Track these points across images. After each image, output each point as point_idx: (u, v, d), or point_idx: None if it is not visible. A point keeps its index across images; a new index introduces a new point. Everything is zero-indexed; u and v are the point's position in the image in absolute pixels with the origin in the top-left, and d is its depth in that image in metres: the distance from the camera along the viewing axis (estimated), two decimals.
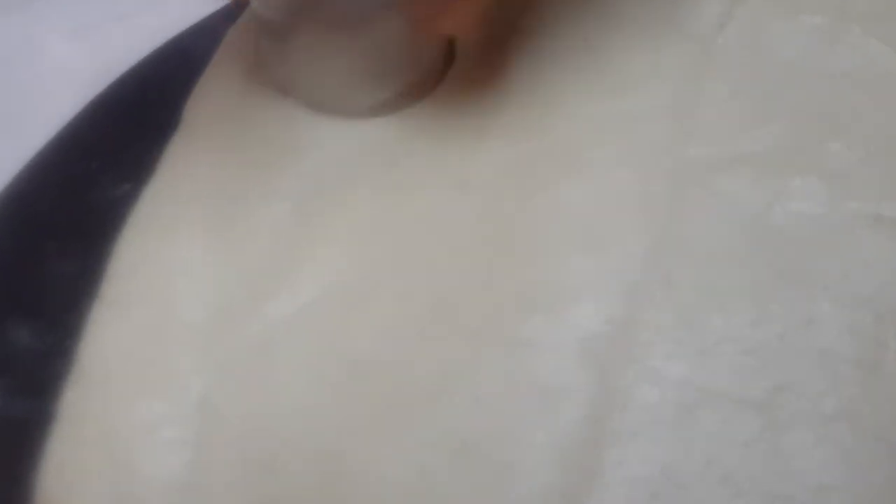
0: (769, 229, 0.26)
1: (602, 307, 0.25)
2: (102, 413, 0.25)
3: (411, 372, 0.24)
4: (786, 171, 0.27)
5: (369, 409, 0.24)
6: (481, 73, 0.29)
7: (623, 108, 0.29)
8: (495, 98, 0.29)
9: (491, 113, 0.29)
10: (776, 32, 0.30)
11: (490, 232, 0.27)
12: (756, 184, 0.27)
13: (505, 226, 0.27)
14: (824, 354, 0.24)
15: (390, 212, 0.27)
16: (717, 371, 0.24)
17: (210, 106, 0.29)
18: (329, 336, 0.25)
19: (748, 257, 0.25)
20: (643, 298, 0.25)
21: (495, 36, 0.30)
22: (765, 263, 0.25)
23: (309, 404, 0.24)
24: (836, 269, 0.25)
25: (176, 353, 0.25)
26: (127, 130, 0.30)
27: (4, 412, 0.26)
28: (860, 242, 0.25)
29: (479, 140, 0.28)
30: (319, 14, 0.28)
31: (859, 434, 0.23)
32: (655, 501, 0.22)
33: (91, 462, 0.24)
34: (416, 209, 0.27)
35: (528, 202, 0.27)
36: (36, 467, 0.24)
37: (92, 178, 0.29)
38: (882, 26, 0.29)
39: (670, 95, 0.29)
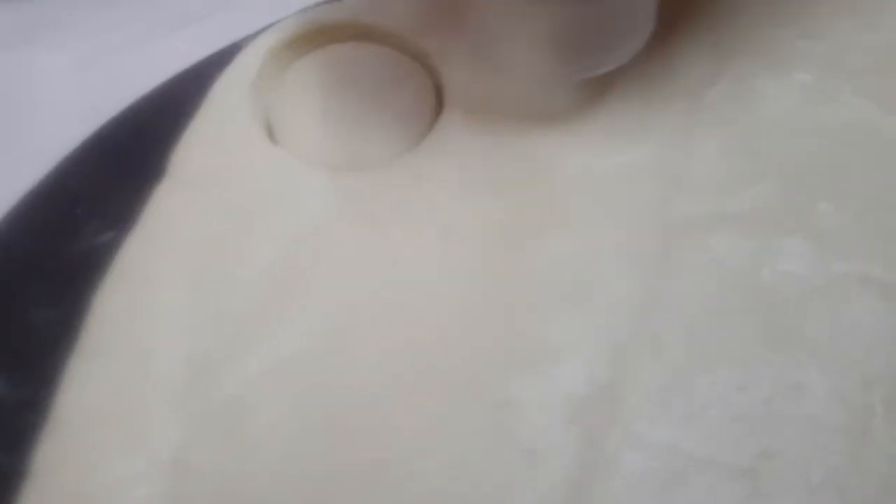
0: (758, 290, 0.26)
1: (588, 367, 0.24)
2: (76, 468, 0.24)
3: (392, 430, 0.24)
4: (775, 230, 0.27)
5: (348, 468, 0.23)
6: (470, 123, 0.29)
7: (613, 163, 0.28)
8: (483, 149, 0.29)
9: (479, 164, 0.29)
10: (766, 89, 0.30)
11: (476, 285, 0.26)
12: (745, 243, 0.26)
13: (491, 279, 0.26)
14: (811, 421, 0.23)
15: (374, 264, 0.27)
16: (703, 437, 0.23)
17: (197, 155, 0.29)
18: (308, 392, 0.24)
19: (736, 318, 0.25)
20: (630, 359, 0.25)
21: (485, 88, 0.29)
22: (753, 325, 0.25)
23: (286, 462, 0.24)
24: (824, 332, 0.25)
25: (152, 407, 0.24)
26: (113, 177, 0.30)
27: None
28: (848, 305, 0.25)
29: (466, 191, 0.28)
30: None
31: None
32: None
33: None
34: (401, 261, 0.27)
35: (515, 255, 0.27)
36: None
37: (75, 225, 0.29)
38: (871, 84, 0.29)
39: (660, 152, 0.29)
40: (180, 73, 0.32)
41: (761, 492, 0.22)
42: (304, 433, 0.24)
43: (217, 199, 0.28)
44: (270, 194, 0.28)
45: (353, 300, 0.26)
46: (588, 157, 0.29)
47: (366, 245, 0.27)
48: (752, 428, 0.23)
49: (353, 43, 0.31)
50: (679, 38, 0.31)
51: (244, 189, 0.28)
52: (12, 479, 0.24)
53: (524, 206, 0.28)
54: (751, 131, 0.29)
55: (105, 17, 0.40)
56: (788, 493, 0.22)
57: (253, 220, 0.27)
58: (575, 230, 0.27)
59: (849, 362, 0.24)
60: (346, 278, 0.26)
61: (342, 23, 0.31)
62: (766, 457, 0.23)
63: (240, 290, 0.26)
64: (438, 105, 0.30)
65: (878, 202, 0.27)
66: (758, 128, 0.29)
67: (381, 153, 0.29)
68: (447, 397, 0.24)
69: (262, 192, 0.28)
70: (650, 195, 0.28)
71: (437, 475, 0.24)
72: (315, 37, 0.31)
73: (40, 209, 0.30)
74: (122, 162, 0.30)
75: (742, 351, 0.25)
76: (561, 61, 0.29)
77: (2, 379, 0.26)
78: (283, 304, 0.26)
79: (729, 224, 0.27)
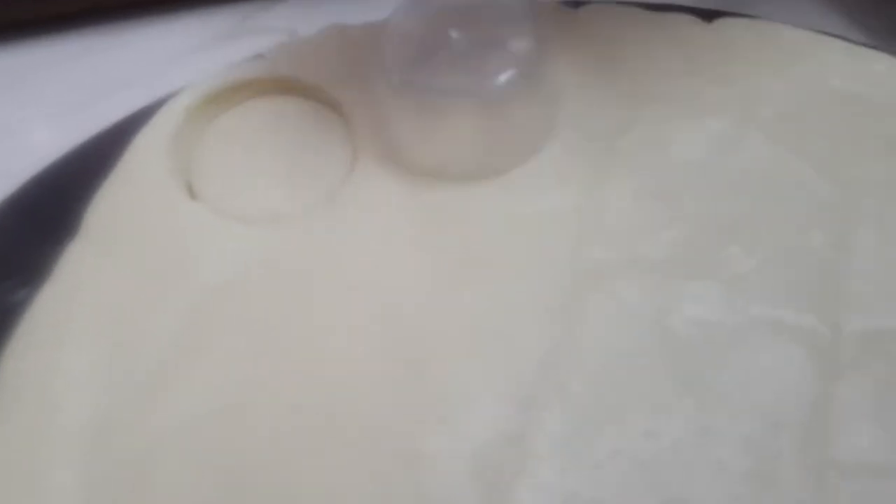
0: (667, 336, 0.25)
1: (495, 418, 0.24)
2: None
3: (298, 488, 0.23)
4: (685, 275, 0.27)
5: None
6: (382, 176, 0.29)
7: (527, 212, 0.28)
8: (398, 199, 0.29)
9: (394, 214, 0.28)
10: (679, 136, 0.30)
11: (386, 338, 0.26)
12: (655, 289, 0.26)
13: (405, 331, 0.26)
14: (719, 467, 0.23)
15: (288, 318, 0.26)
16: (608, 485, 0.23)
17: (110, 212, 0.29)
18: (213, 450, 0.24)
19: (644, 365, 0.25)
20: (537, 408, 0.24)
21: (399, 140, 0.30)
22: (661, 371, 0.25)
23: None
24: (732, 377, 0.25)
25: (55, 465, 0.24)
26: (29, 236, 0.29)
27: None
28: (757, 349, 0.25)
29: (381, 242, 0.28)
30: None
31: None
32: None
33: None
34: (315, 315, 0.27)
35: (427, 306, 0.27)
36: None
37: None
38: (782, 131, 0.30)
39: (575, 199, 0.29)
40: (100, 132, 0.32)
41: None
42: (208, 493, 0.24)
43: (128, 257, 0.28)
44: (183, 251, 0.28)
45: (261, 357, 0.26)
46: (503, 207, 0.29)
47: (277, 300, 0.27)
48: (659, 475, 0.23)
49: (273, 97, 0.31)
50: (595, 86, 0.31)
51: (157, 245, 0.28)
52: None
53: (438, 256, 0.28)
54: (664, 177, 0.29)
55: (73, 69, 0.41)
56: None
57: (163, 278, 0.27)
58: (487, 280, 0.27)
59: (757, 407, 0.24)
60: (254, 335, 0.26)
61: (261, 77, 0.31)
62: None
63: (147, 349, 0.26)
64: (356, 155, 0.30)
65: (789, 246, 0.27)
66: (671, 174, 0.29)
67: (299, 205, 0.29)
68: (354, 453, 0.24)
69: (175, 249, 0.28)
70: (563, 242, 0.27)
71: None
72: (235, 92, 0.32)
73: None
74: (40, 220, 0.30)
75: (650, 398, 0.24)
76: (452, 166, 0.29)
77: None
78: (190, 363, 0.26)
79: (639, 270, 0.27)
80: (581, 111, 0.31)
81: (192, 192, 0.30)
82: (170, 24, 0.43)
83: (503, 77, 0.28)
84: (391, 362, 0.26)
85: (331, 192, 0.29)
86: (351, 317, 0.27)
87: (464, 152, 0.29)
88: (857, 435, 0.24)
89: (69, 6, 0.43)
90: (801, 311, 0.26)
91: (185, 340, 0.26)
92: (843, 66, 0.32)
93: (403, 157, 0.29)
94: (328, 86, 0.31)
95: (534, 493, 0.23)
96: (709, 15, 0.33)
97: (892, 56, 0.32)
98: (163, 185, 0.29)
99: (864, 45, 0.33)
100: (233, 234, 0.28)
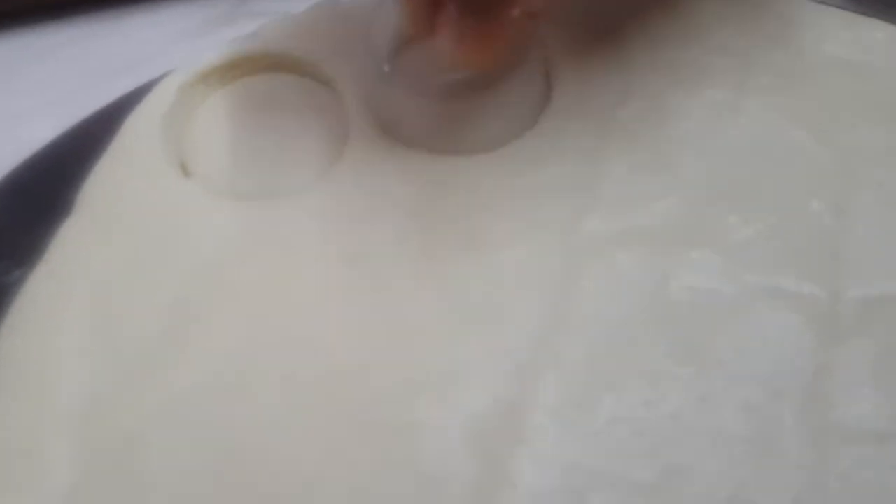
0: (665, 305, 0.25)
1: (490, 389, 0.24)
2: None
3: (290, 461, 0.23)
4: (683, 244, 0.26)
5: (244, 501, 0.23)
6: (375, 151, 0.29)
7: (523, 184, 0.28)
8: (392, 173, 0.29)
9: (387, 188, 0.28)
10: (676, 106, 0.29)
11: (381, 310, 0.26)
12: (652, 258, 0.26)
13: (396, 303, 0.26)
14: (719, 434, 0.23)
15: (279, 293, 0.26)
16: (607, 453, 0.23)
17: (104, 190, 0.28)
18: (208, 424, 0.24)
19: (642, 334, 0.25)
20: (533, 378, 0.24)
21: (391, 115, 0.29)
22: (660, 340, 0.25)
23: (182, 497, 0.23)
24: (730, 344, 0.24)
25: (51, 442, 0.24)
26: (24, 216, 0.29)
27: None
28: (756, 317, 0.25)
29: (374, 216, 0.28)
30: None
31: None
32: None
33: None
34: (306, 289, 0.26)
35: (421, 280, 0.26)
36: None
37: None
38: (779, 99, 0.29)
39: (572, 172, 0.28)
40: (93, 113, 0.32)
41: None
42: (201, 467, 0.23)
43: (122, 235, 0.27)
44: (177, 228, 0.28)
45: (253, 331, 0.26)
46: (499, 179, 0.28)
47: (270, 275, 0.27)
48: (658, 443, 0.23)
49: (266, 74, 0.31)
50: (591, 57, 0.31)
51: (150, 224, 0.28)
52: None
53: (433, 229, 0.27)
54: (661, 148, 0.29)
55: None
56: None
57: (157, 256, 0.27)
58: (483, 252, 0.27)
59: (757, 374, 0.24)
60: (247, 310, 0.26)
61: (254, 55, 0.31)
62: (672, 472, 0.22)
63: (141, 326, 0.26)
64: (349, 131, 0.30)
65: (787, 214, 0.27)
66: (668, 143, 0.29)
67: (292, 181, 0.29)
68: (347, 425, 0.24)
69: (169, 227, 0.28)
70: (559, 213, 0.27)
71: None
72: (229, 70, 0.31)
73: None
74: (34, 201, 0.30)
75: (648, 366, 0.24)
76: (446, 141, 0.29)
77: None
78: (183, 339, 0.25)
79: (637, 239, 0.26)
80: (577, 83, 0.30)
81: (185, 170, 0.30)
82: (163, 10, 0.43)
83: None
84: (386, 333, 0.25)
85: (324, 168, 0.29)
86: (344, 292, 0.26)
87: (458, 127, 0.29)
88: (857, 401, 0.24)
89: None
90: (800, 278, 0.26)
91: (178, 317, 0.26)
92: (841, 33, 0.32)
93: (396, 132, 0.29)
94: (320, 62, 0.30)
95: (532, 463, 0.23)
96: None
97: (890, 24, 0.31)
98: (156, 164, 0.29)
99: (863, 13, 0.32)
100: (226, 211, 0.28)
